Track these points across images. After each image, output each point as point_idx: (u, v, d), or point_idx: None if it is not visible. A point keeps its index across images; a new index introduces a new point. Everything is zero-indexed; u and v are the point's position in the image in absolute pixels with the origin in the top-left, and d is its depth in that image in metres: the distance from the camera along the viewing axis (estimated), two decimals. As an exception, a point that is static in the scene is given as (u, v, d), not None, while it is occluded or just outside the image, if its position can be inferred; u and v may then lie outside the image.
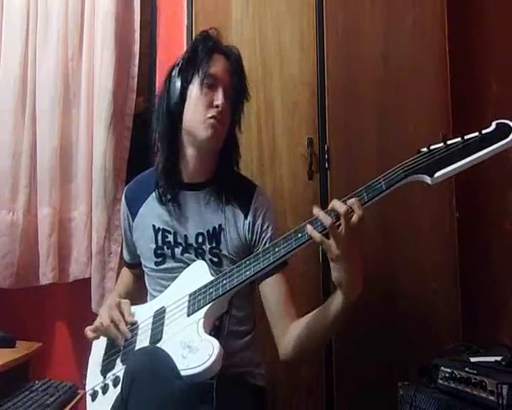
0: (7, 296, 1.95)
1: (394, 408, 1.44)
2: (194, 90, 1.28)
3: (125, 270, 1.57)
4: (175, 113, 1.30)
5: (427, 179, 1.02)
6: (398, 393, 1.42)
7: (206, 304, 1.14)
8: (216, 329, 1.16)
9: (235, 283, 1.14)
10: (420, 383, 1.40)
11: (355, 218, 1.02)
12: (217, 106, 1.26)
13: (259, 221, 1.32)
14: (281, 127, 1.81)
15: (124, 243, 1.52)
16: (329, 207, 1.06)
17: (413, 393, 1.38)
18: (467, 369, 1.25)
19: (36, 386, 1.55)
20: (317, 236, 1.05)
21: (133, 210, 1.42)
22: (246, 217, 1.32)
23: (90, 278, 1.93)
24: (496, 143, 0.99)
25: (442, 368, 1.32)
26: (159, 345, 1.14)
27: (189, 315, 1.15)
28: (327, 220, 1.03)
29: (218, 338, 1.11)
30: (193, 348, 1.06)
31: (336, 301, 1.12)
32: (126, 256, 1.52)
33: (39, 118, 1.97)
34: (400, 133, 1.79)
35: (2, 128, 1.96)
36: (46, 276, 1.93)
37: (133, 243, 1.44)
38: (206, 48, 1.29)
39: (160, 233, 1.35)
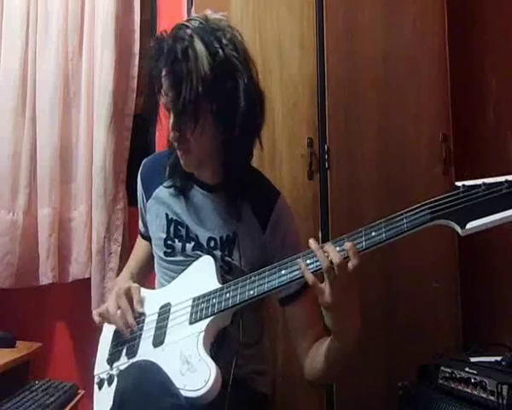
0: (7, 296, 1.95)
1: (394, 408, 1.44)
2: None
3: (139, 240, 1.48)
4: None
5: (458, 229, 0.88)
6: (398, 393, 1.42)
7: (208, 316, 1.11)
8: (219, 339, 1.13)
9: (238, 300, 1.08)
10: (420, 383, 1.40)
11: (350, 265, 0.93)
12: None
13: (278, 239, 1.22)
14: (281, 127, 1.81)
15: (139, 214, 1.44)
16: (325, 249, 0.97)
17: (413, 393, 1.38)
18: (467, 369, 1.25)
19: (36, 386, 1.55)
20: (309, 278, 0.97)
21: (147, 190, 1.34)
22: (263, 231, 1.22)
23: (90, 278, 1.94)
24: None
25: (442, 368, 1.32)
26: (160, 348, 1.14)
27: (190, 323, 1.13)
28: (324, 262, 0.95)
29: (220, 350, 1.10)
30: (191, 367, 1.04)
31: (332, 343, 1.07)
32: (142, 228, 1.45)
33: (39, 118, 1.97)
34: (400, 133, 1.79)
35: (2, 128, 1.96)
36: (46, 276, 1.93)
37: (147, 221, 1.38)
38: (157, 70, 1.12)
39: (172, 224, 1.28)
